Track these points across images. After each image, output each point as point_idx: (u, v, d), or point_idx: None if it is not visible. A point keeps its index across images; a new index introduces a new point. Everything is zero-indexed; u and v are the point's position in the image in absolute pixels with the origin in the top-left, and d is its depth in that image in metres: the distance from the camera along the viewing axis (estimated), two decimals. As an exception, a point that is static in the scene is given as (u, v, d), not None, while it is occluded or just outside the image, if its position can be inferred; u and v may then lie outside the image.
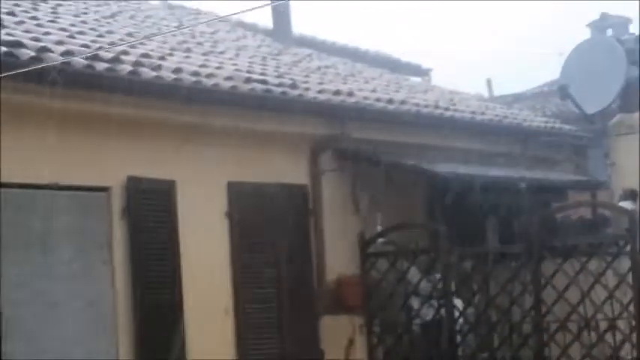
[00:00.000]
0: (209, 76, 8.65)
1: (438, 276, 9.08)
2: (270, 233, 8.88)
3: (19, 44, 7.18)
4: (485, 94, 15.81)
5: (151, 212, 7.99)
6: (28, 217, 7.31)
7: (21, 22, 8.22)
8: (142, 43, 9.01)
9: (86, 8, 10.34)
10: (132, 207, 7.86)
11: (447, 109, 11.48)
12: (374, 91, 10.98)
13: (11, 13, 8.42)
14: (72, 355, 7.43)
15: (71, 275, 7.51)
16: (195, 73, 8.53)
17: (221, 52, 10.38)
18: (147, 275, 7.84)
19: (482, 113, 12.21)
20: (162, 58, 8.69)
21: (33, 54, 7.10)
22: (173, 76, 8.18)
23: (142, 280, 7.79)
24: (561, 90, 12.56)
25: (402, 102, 10.82)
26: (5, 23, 7.89)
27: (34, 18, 8.66)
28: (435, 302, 9.03)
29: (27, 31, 7.87)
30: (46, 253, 7.39)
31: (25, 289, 7.16)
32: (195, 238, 8.23)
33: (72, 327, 7.49)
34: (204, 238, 8.36)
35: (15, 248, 7.03)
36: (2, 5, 8.55)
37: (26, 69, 6.73)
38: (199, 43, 10.50)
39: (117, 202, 7.84)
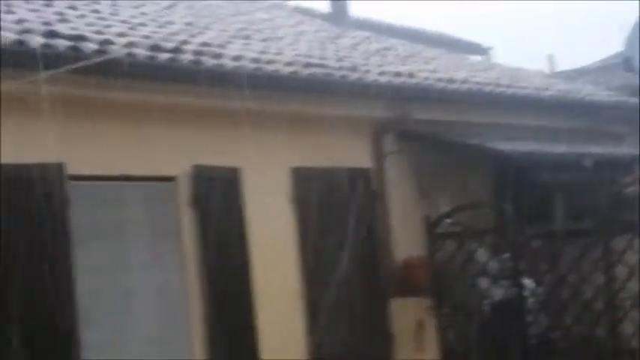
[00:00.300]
0: (269, 62, 8.66)
1: (506, 255, 8.99)
2: (335, 217, 8.88)
3: (83, 38, 7.26)
4: (547, 70, 15.61)
5: (218, 200, 8.02)
6: (99, 209, 7.41)
7: (83, 16, 8.31)
8: (201, 32, 9.08)
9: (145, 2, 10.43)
10: (199, 195, 7.90)
11: (509, 86, 11.35)
12: (434, 71, 10.90)
13: (73, 7, 8.52)
14: (145, 342, 7.53)
15: (142, 265, 7.61)
16: (256, 60, 8.55)
17: (280, 38, 10.39)
18: (216, 262, 7.89)
19: (546, 89, 12.05)
20: (222, 46, 8.72)
21: (96, 47, 7.18)
22: (234, 63, 8.21)
23: (211, 267, 7.84)
24: (625, 62, 12.29)
25: (463, 81, 10.73)
26: (68, 17, 7.99)
27: (95, 11, 8.75)
28: (504, 282, 8.94)
29: (89, 25, 7.96)
30: (117, 243, 7.49)
31: (99, 280, 7.26)
32: (262, 225, 8.25)
33: (145, 315, 7.59)
34: (271, 224, 8.38)
35: (87, 240, 7.12)
36: (66, 0, 8.66)
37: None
38: (258, 30, 10.52)
39: (184, 191, 7.89)
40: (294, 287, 8.52)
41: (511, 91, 11.19)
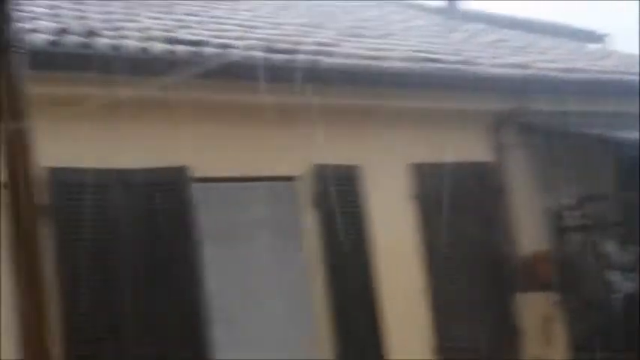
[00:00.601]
0: (384, 58, 8.64)
1: (635, 247, 8.76)
2: (457, 212, 8.77)
3: (202, 43, 7.40)
4: (667, 54, 15.08)
5: (339, 198, 8.04)
6: (223, 211, 7.54)
7: (201, 22, 8.47)
8: (315, 32, 9.13)
9: (260, 3, 10.55)
10: (320, 194, 7.94)
11: (626, 73, 11.04)
12: (551, 61, 10.68)
13: (192, 14, 8.68)
14: (271, 341, 7.62)
15: (267, 264, 7.72)
16: (371, 57, 8.54)
17: (393, 34, 10.36)
18: (339, 261, 7.91)
19: (667, 75, 11.66)
20: (336, 44, 8.74)
21: (216, 51, 7.29)
22: (348, 61, 8.22)
23: (334, 266, 7.86)
24: None
25: (581, 70, 10.49)
26: (187, 23, 8.15)
27: (213, 16, 8.90)
28: (634, 275, 8.71)
29: (208, 30, 8.10)
30: (241, 244, 7.60)
31: (224, 280, 7.38)
32: (383, 222, 8.24)
33: (270, 314, 7.68)
34: (392, 221, 8.36)
35: (212, 241, 7.24)
36: (184, 7, 8.84)
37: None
38: (371, 27, 10.52)
39: (305, 191, 7.95)
40: (418, 284, 8.47)
41: (630, 78, 10.88)
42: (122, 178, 6.77)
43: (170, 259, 6.92)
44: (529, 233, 9.26)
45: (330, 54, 8.23)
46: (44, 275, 4.57)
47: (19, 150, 4.69)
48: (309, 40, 8.64)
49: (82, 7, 7.82)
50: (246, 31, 8.46)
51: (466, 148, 9.16)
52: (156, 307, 6.73)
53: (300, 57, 7.88)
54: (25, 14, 5.95)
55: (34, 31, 6.44)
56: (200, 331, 6.94)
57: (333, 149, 8.12)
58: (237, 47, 7.56)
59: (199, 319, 6.95)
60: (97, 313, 6.50)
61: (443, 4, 13.24)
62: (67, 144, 6.50)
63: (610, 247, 8.85)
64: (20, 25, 5.16)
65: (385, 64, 8.51)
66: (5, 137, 4.69)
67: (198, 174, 7.20)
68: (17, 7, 5.07)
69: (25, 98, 4.79)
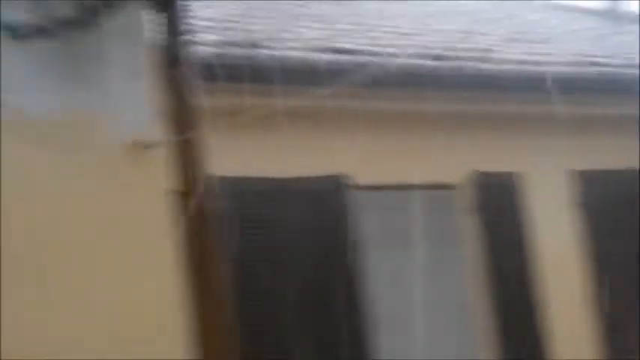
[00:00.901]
0: (548, 63, 8.45)
1: None
2: (622, 221, 8.51)
3: (362, 51, 7.43)
4: None
5: (499, 207, 7.93)
6: (380, 218, 7.56)
7: (358, 30, 8.49)
8: (474, 37, 9.02)
9: (406, 9, 10.52)
10: (480, 202, 7.84)
11: None
12: None
13: (349, 23, 8.73)
14: (432, 349, 7.57)
15: (427, 273, 7.68)
16: (534, 62, 8.38)
17: (555, 38, 10.13)
18: (500, 270, 7.79)
19: None
20: (497, 50, 8.61)
21: (376, 59, 7.31)
22: (512, 67, 8.08)
23: (496, 275, 7.74)
24: None
25: None
26: (345, 32, 8.21)
27: (369, 25, 8.91)
28: None
29: (366, 38, 8.12)
30: (402, 251, 7.60)
31: (386, 288, 7.39)
32: (545, 230, 8.05)
33: (430, 323, 7.64)
34: (555, 229, 8.15)
35: (374, 248, 7.25)
36: (340, 17, 8.90)
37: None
38: (531, 32, 10.32)
39: (464, 199, 7.86)
40: (582, 294, 8.24)
41: None
42: (283, 186, 6.88)
43: (331, 266, 6.97)
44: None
45: (491, 60, 8.11)
46: (217, 284, 4.67)
47: (189, 160, 4.83)
48: (469, 46, 8.55)
49: (245, 20, 7.99)
50: (401, 38, 8.45)
51: (632, 154, 8.84)
52: (320, 315, 6.79)
53: (462, 63, 7.81)
54: (192, 27, 6.11)
55: (201, 43, 6.61)
56: (363, 340, 6.96)
57: (493, 156, 8.02)
58: (396, 55, 7.55)
59: (363, 327, 6.97)
60: (264, 321, 6.61)
61: (604, 6, 12.86)
62: (232, 153, 6.62)
63: None
64: (188, 38, 5.31)
65: (550, 69, 8.31)
66: (176, 148, 4.84)
67: (356, 182, 7.23)
68: (185, 21, 5.23)
69: (194, 110, 4.93)
